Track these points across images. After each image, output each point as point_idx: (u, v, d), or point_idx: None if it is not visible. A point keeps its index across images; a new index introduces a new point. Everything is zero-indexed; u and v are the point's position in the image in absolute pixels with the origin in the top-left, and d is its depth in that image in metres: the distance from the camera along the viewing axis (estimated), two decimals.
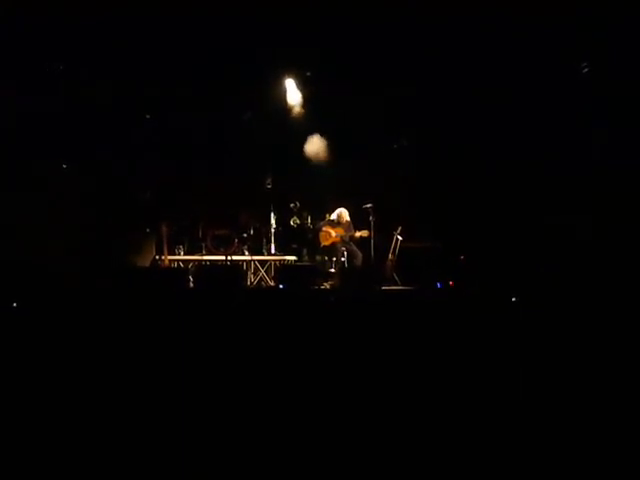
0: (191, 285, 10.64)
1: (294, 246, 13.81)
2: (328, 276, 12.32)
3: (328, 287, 11.69)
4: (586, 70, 11.53)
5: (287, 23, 11.16)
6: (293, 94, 13.89)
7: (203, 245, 13.05)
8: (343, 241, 12.83)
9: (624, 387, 5.00)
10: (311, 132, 14.08)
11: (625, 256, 10.15)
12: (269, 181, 13.73)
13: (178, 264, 12.54)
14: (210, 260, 12.65)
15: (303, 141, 14.10)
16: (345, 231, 12.82)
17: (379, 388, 5.21)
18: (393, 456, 4.05)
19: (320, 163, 13.97)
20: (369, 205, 12.87)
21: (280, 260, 13.15)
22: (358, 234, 12.70)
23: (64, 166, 12.18)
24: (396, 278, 12.37)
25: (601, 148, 11.14)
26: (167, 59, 11.87)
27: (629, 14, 10.07)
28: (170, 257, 12.31)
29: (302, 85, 13.76)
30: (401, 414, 4.62)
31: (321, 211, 13.64)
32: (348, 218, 12.94)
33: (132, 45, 11.45)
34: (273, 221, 13.63)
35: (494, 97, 12.28)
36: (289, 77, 13.62)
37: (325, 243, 12.94)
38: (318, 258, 13.23)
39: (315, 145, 14.07)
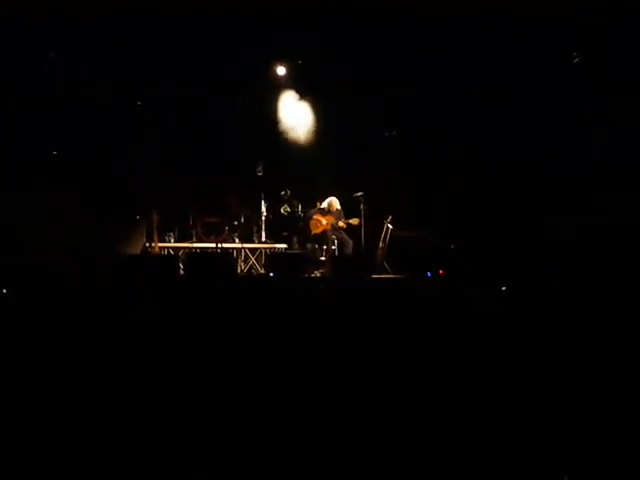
0: (182, 273, 10.64)
1: (285, 234, 13.79)
2: (318, 264, 12.34)
3: (318, 275, 11.71)
4: (577, 60, 11.53)
5: (280, 10, 11.14)
6: (284, 82, 13.87)
7: (194, 232, 13.04)
8: (334, 229, 12.82)
9: (617, 379, 5.04)
10: (302, 120, 14.07)
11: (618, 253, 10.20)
12: (260, 169, 13.71)
13: (168, 251, 12.54)
14: (201, 248, 12.65)
15: (294, 129, 14.08)
16: (336, 219, 12.82)
17: (370, 376, 5.22)
18: (385, 447, 4.06)
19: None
20: (360, 194, 12.87)
21: (271, 248, 13.16)
22: (344, 223, 12.68)
23: (54, 153, 12.14)
24: (386, 267, 12.38)
25: (600, 147, 11.16)
26: (157, 47, 11.84)
27: (629, 13, 10.07)
28: (160, 244, 12.31)
29: (293, 73, 13.74)
30: (392, 403, 4.64)
31: (312, 199, 13.63)
32: (339, 207, 12.92)
33: (123, 35, 11.42)
34: (264, 209, 13.63)
35: (487, 88, 12.29)
36: (281, 65, 13.59)
37: (316, 231, 12.93)
38: (309, 246, 13.23)
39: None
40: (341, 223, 12.73)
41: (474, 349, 5.94)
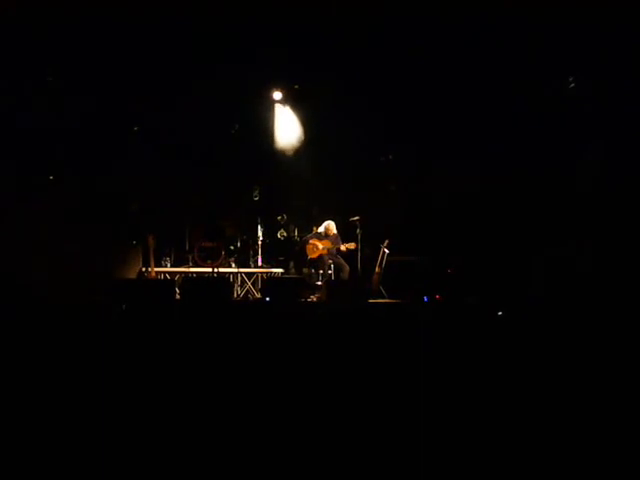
0: (178, 297, 10.63)
1: (281, 259, 13.81)
2: (315, 289, 12.33)
3: (315, 300, 11.70)
4: (572, 86, 11.60)
5: (275, 36, 11.22)
6: (281, 106, 13.95)
7: (190, 257, 13.04)
8: (330, 254, 12.82)
9: (607, 404, 5.02)
10: (298, 144, 14.12)
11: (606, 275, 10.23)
12: (256, 193, 13.74)
13: (165, 276, 12.52)
14: (197, 272, 12.64)
15: (290, 153, 14.13)
16: (332, 244, 12.81)
17: (364, 402, 5.20)
18: (378, 472, 4.04)
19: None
20: (356, 218, 12.88)
21: (267, 272, 13.15)
22: (345, 247, 12.68)
23: (50, 178, 12.16)
24: (383, 291, 12.37)
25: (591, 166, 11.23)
26: (154, 70, 11.90)
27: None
28: (157, 269, 12.27)
29: (290, 97, 13.82)
30: (386, 427, 4.62)
31: (308, 224, 13.66)
32: (335, 231, 12.94)
33: (120, 59, 11.49)
34: (260, 233, 13.64)
35: (481, 110, 12.35)
36: (277, 90, 13.66)
37: (312, 256, 12.93)
38: (305, 271, 13.22)
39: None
40: (343, 247, 12.71)
41: (471, 374, 5.93)
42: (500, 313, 8.57)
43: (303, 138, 14.05)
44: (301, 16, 10.64)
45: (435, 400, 5.17)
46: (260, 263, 13.54)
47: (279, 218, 13.87)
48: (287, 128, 14.11)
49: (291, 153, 14.11)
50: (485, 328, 7.69)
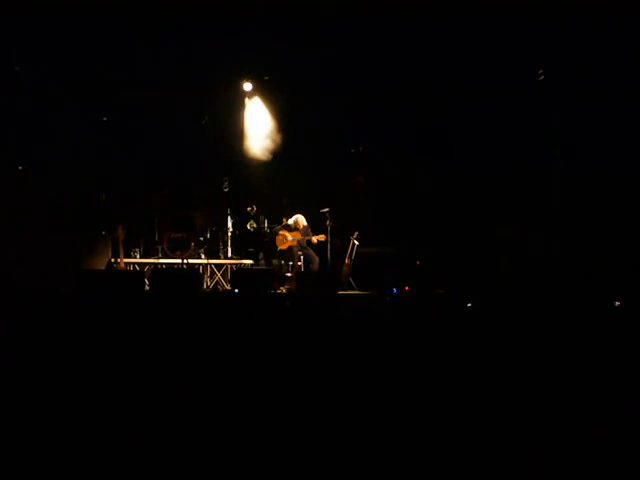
0: (147, 288, 10.59)
1: (251, 250, 13.77)
2: (284, 280, 12.33)
3: (284, 291, 11.71)
4: (542, 77, 11.69)
5: (245, 27, 11.20)
6: (251, 97, 13.94)
7: (159, 248, 12.96)
8: (300, 245, 12.83)
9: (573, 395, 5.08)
10: (268, 135, 14.12)
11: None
12: (226, 184, 13.70)
13: (134, 267, 12.45)
14: (166, 263, 12.59)
15: (261, 145, 14.12)
16: (302, 235, 12.82)
17: (332, 393, 5.22)
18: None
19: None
20: (326, 210, 12.89)
21: (236, 264, 13.13)
22: (315, 238, 12.70)
23: (20, 168, 12.06)
24: (352, 283, 12.41)
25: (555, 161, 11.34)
26: (122, 59, 11.86)
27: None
28: (126, 260, 12.19)
29: (260, 88, 13.81)
30: (353, 421, 4.64)
31: (278, 215, 13.64)
32: (305, 223, 12.92)
33: (89, 48, 11.42)
34: (230, 224, 13.61)
35: (448, 103, 12.41)
36: (247, 80, 13.65)
37: (282, 247, 12.93)
38: (275, 262, 13.21)
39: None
40: (313, 239, 12.72)
41: (438, 365, 5.97)
42: (469, 304, 8.64)
43: (273, 129, 14.05)
44: (270, 7, 10.64)
45: (402, 393, 5.20)
46: (230, 254, 13.52)
47: (249, 209, 13.83)
48: (257, 119, 14.11)
49: (261, 145, 14.10)
50: (454, 319, 7.75)
